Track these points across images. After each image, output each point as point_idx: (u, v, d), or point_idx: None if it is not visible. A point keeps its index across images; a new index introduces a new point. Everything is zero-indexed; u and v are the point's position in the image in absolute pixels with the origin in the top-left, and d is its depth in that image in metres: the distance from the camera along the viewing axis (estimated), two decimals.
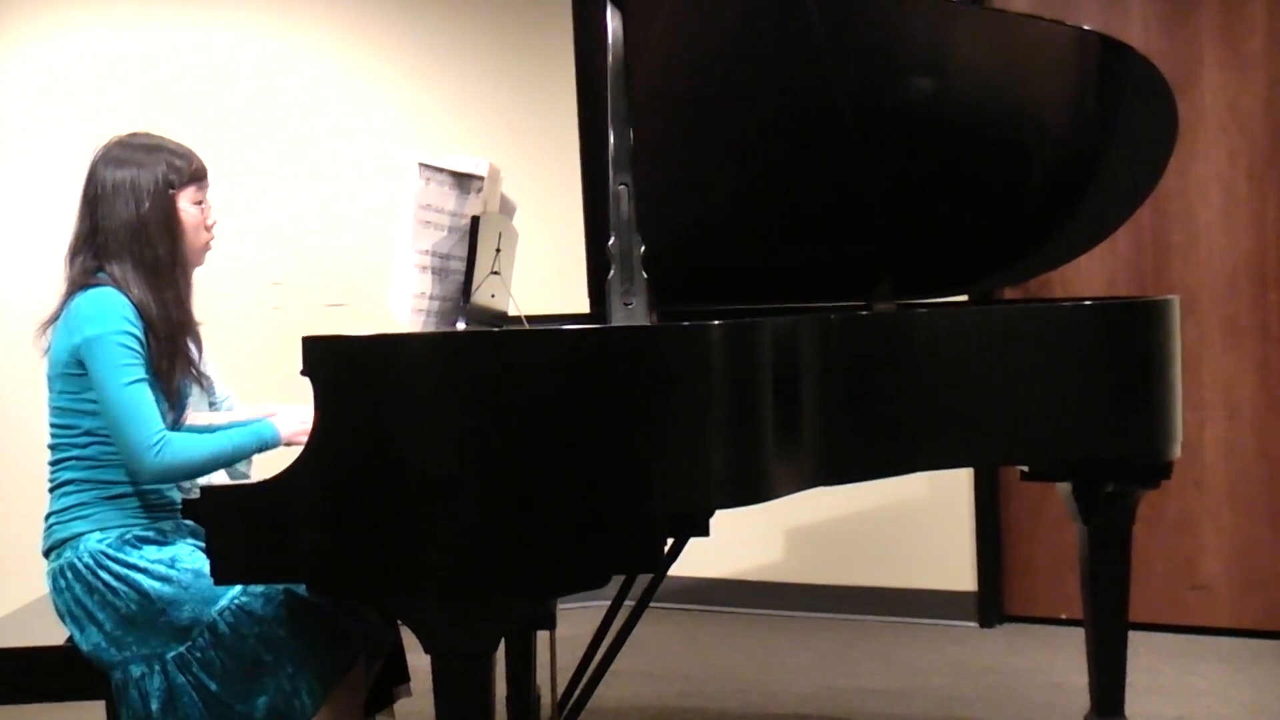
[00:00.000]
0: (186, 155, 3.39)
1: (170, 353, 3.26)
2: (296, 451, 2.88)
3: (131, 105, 5.85)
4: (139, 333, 3.20)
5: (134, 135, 3.40)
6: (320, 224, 6.28)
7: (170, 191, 3.32)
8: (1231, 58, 5.52)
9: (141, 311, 3.22)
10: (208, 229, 3.42)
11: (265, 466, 2.99)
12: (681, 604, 6.26)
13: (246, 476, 3.80)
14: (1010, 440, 3.64)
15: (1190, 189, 5.59)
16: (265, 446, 3.30)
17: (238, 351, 5.21)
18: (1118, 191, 4.16)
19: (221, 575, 2.90)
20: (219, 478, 3.74)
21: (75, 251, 3.33)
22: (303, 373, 2.83)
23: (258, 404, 3.67)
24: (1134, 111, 4.04)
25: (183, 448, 3.17)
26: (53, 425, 3.31)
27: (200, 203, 3.39)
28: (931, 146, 3.98)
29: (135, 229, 3.27)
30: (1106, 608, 3.97)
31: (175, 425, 3.36)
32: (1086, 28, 4.16)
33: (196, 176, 3.39)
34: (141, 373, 3.18)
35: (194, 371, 3.39)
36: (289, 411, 3.36)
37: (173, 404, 3.30)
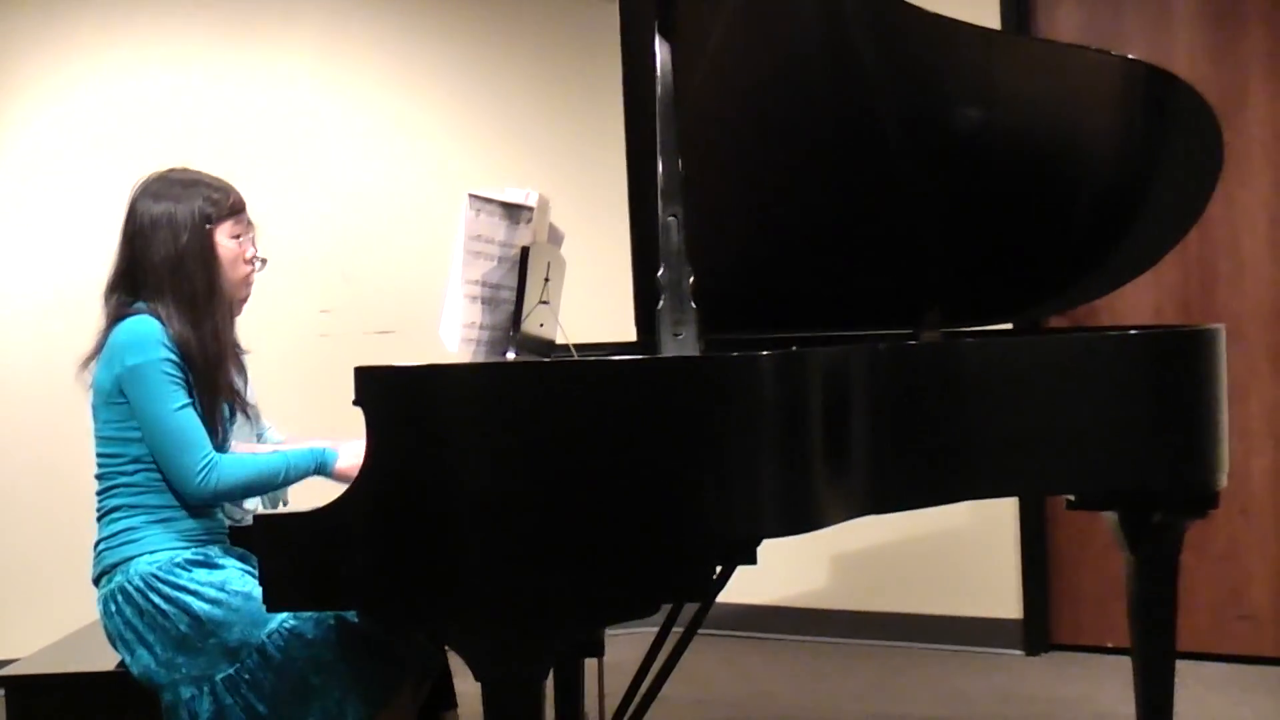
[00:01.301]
0: (224, 189, 3.41)
1: (209, 386, 3.29)
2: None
3: (176, 137, 5.91)
4: (178, 359, 3.23)
5: (171, 170, 3.43)
6: (367, 252, 6.33)
7: (208, 226, 3.34)
8: (1278, 85, 5.51)
9: (180, 345, 3.24)
10: (247, 262, 3.43)
11: (314, 497, 3.01)
12: (727, 630, 6.26)
13: (283, 503, 3.83)
14: (1057, 470, 3.63)
15: (1236, 217, 5.58)
16: (323, 469, 3.33)
17: (285, 378, 5.25)
18: (1164, 220, 4.14)
19: (274, 602, 2.92)
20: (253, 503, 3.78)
21: (112, 288, 3.36)
22: (355, 402, 2.85)
23: (316, 436, 3.69)
24: (1180, 140, 4.03)
25: (231, 469, 3.22)
26: (99, 454, 3.34)
27: (238, 236, 3.41)
28: (979, 175, 3.97)
29: (173, 264, 3.30)
30: (1154, 637, 3.95)
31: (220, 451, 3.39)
32: (1133, 57, 4.16)
33: (234, 210, 3.41)
34: (185, 398, 3.22)
35: (238, 400, 3.42)
36: (348, 447, 3.38)
37: (216, 434, 3.33)
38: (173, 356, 3.22)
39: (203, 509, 3.32)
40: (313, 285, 6.20)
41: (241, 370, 3.47)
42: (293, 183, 6.16)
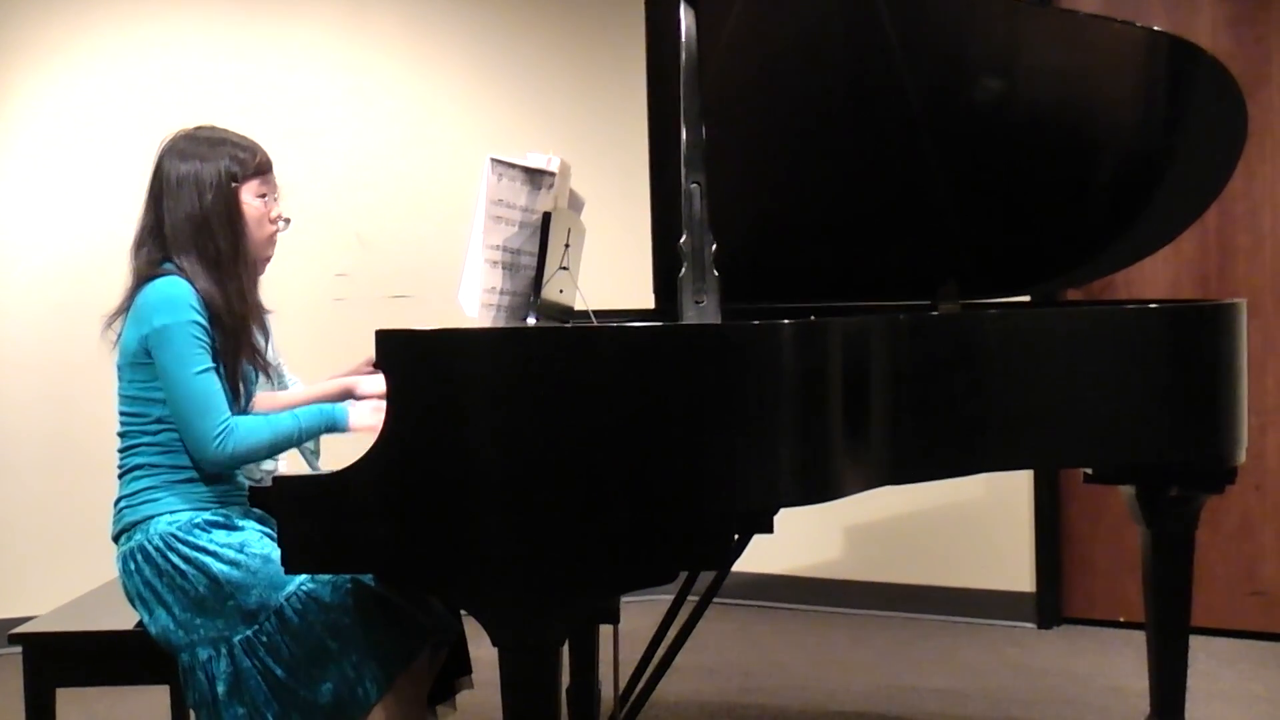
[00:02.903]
0: (250, 148, 3.41)
1: (233, 345, 3.29)
2: (367, 442, 2.90)
3: (192, 105, 5.88)
4: (205, 322, 3.23)
5: (199, 129, 3.42)
6: (382, 216, 6.33)
7: (233, 185, 3.33)
8: None
9: (207, 302, 3.25)
10: (272, 221, 3.43)
11: (337, 458, 3.01)
12: (741, 600, 6.27)
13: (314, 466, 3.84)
14: (1075, 443, 3.63)
15: (1256, 191, 5.56)
16: (334, 427, 3.33)
17: (301, 341, 5.25)
18: (1185, 193, 4.14)
19: (292, 565, 2.92)
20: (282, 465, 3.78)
21: (140, 244, 3.35)
22: (376, 365, 2.85)
23: (337, 376, 3.68)
24: (1203, 113, 4.03)
25: (247, 434, 3.21)
26: (122, 413, 3.34)
27: (264, 195, 3.40)
28: (1001, 147, 3.98)
29: (198, 222, 3.29)
30: (1168, 612, 3.96)
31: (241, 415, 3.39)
32: (1156, 28, 4.15)
33: (261, 169, 3.40)
34: (209, 361, 3.21)
35: (259, 361, 3.42)
36: (370, 383, 3.40)
37: (236, 395, 3.33)
38: (201, 320, 3.22)
39: (222, 471, 3.32)
40: (328, 249, 6.19)
41: (263, 330, 3.46)
42: (308, 146, 6.15)
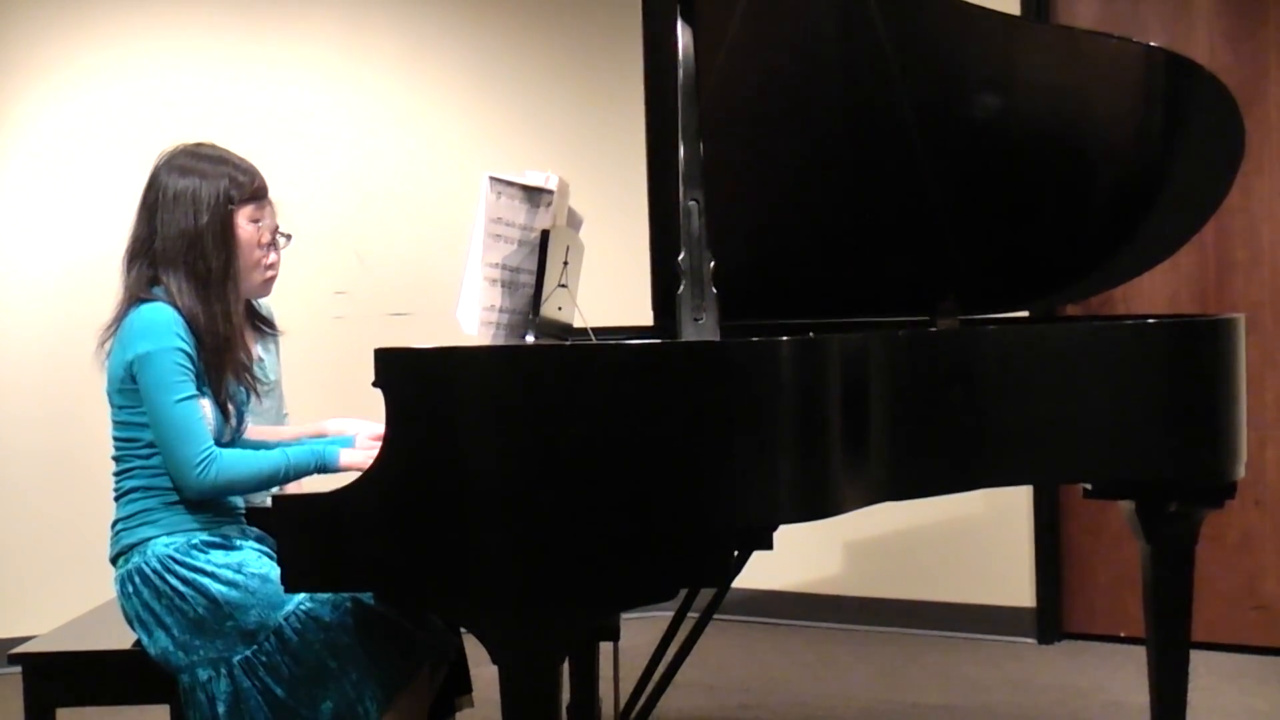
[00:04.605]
0: (250, 172, 3.40)
1: (218, 363, 3.29)
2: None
3: (191, 121, 5.87)
4: (190, 348, 3.22)
5: (199, 145, 3.42)
6: (382, 234, 6.33)
7: (229, 207, 3.33)
8: None
9: (190, 323, 3.24)
10: (261, 247, 3.41)
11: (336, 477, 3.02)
12: (741, 616, 6.26)
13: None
14: (1074, 459, 3.62)
15: (1254, 205, 5.56)
16: (324, 468, 3.34)
17: (300, 360, 5.25)
18: (1182, 208, 4.14)
19: (292, 584, 2.93)
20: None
21: (132, 256, 3.35)
22: (375, 384, 2.85)
23: (333, 419, 3.68)
24: (1200, 128, 4.03)
25: (230, 465, 3.21)
26: (116, 438, 3.34)
27: (258, 221, 3.39)
28: (998, 162, 3.98)
29: (191, 239, 3.28)
30: (1168, 627, 3.95)
31: (235, 436, 3.39)
32: (1153, 44, 4.15)
33: (257, 195, 3.40)
34: (192, 389, 3.21)
35: (248, 379, 3.41)
36: (361, 427, 3.40)
37: (227, 415, 3.33)
38: (184, 347, 3.21)
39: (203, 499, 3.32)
40: (328, 267, 6.19)
41: (248, 353, 3.44)
42: (308, 164, 6.15)
